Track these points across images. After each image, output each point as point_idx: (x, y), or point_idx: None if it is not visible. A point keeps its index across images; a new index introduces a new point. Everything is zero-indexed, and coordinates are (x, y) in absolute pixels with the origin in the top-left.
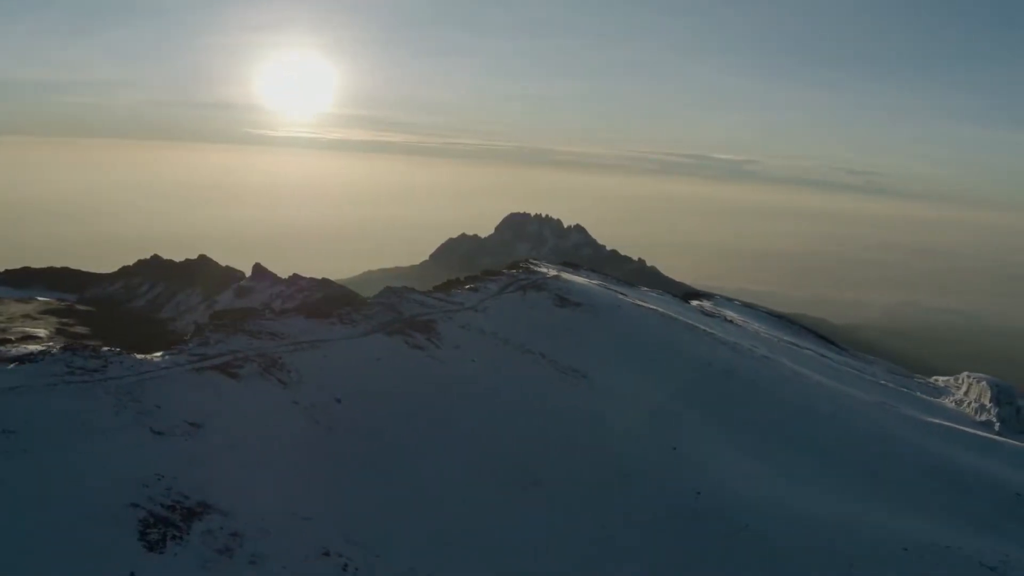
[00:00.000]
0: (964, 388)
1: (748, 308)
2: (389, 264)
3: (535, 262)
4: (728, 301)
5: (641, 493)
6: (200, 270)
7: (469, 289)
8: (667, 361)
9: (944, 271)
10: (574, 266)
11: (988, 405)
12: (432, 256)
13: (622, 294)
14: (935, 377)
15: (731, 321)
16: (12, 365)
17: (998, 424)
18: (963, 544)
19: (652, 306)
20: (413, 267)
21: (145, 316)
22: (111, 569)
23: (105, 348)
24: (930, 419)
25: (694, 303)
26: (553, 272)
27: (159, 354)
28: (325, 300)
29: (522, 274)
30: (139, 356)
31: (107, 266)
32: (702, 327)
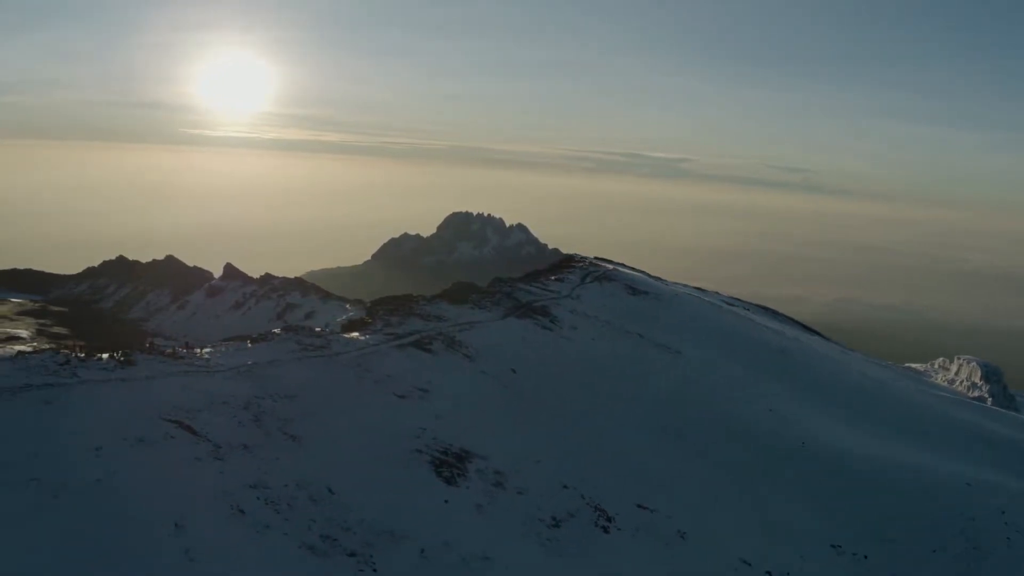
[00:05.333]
0: (955, 369)
1: (734, 299)
2: (331, 264)
3: (584, 257)
4: (713, 293)
5: (759, 443)
6: (167, 271)
7: (556, 280)
8: (731, 340)
9: (881, 267)
10: (608, 261)
11: (979, 383)
12: (374, 256)
13: (665, 285)
14: (907, 363)
15: (747, 309)
16: (249, 344)
17: (990, 399)
18: (1007, 483)
19: (697, 295)
20: (356, 266)
21: (115, 317)
22: (429, 498)
23: (318, 328)
24: (941, 393)
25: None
26: (611, 266)
27: (355, 333)
28: (457, 288)
29: (590, 267)
30: (346, 336)
31: (56, 267)
32: (740, 313)
